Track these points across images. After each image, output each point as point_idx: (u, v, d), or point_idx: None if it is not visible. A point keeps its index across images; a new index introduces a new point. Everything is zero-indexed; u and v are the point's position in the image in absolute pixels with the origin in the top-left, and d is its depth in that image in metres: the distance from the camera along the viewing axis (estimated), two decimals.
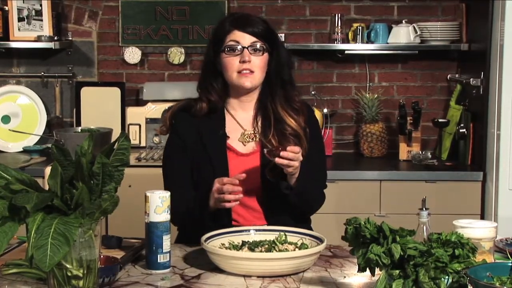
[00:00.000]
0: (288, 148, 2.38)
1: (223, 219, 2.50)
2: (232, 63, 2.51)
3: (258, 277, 2.11)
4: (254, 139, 2.59)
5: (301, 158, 2.41)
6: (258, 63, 2.52)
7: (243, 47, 2.50)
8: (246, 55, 2.50)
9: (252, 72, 2.51)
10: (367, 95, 4.42)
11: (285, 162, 2.38)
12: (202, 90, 2.60)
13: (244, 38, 2.51)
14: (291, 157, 2.38)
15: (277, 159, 2.37)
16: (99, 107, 4.40)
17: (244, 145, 2.59)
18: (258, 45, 2.52)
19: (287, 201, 2.50)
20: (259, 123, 2.59)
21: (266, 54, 2.54)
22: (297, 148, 2.40)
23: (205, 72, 2.60)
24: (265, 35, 2.54)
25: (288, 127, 2.54)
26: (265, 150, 2.41)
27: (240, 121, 2.61)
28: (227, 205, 2.38)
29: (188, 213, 2.48)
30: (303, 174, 2.47)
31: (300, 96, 2.66)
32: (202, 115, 2.57)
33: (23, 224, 1.78)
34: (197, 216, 2.46)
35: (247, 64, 2.50)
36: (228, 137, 2.57)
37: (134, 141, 4.29)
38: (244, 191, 2.51)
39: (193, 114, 2.58)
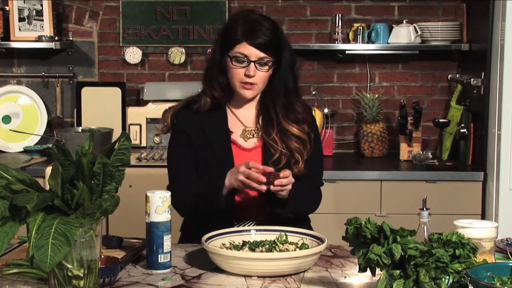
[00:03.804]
0: (281, 174, 2.41)
1: (225, 212, 2.51)
2: (237, 73, 2.52)
3: (259, 277, 2.11)
4: (255, 135, 2.62)
5: (292, 180, 2.43)
6: (262, 76, 2.54)
7: (250, 61, 2.51)
8: (252, 70, 2.51)
9: (254, 84, 2.53)
10: (368, 95, 4.42)
11: (278, 188, 2.41)
12: (206, 84, 2.61)
13: (252, 52, 2.50)
14: (285, 183, 2.41)
15: (272, 187, 2.40)
16: (100, 107, 4.40)
17: (246, 141, 2.62)
18: (265, 60, 2.52)
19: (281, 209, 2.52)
20: (261, 122, 2.62)
21: (272, 67, 2.55)
22: (288, 172, 2.43)
23: (211, 67, 2.61)
24: (273, 47, 2.53)
25: (290, 132, 2.57)
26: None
27: (241, 118, 2.64)
28: (255, 186, 2.39)
29: (200, 198, 2.49)
30: (297, 190, 2.48)
31: (301, 104, 2.64)
32: (204, 112, 2.59)
33: (23, 224, 1.78)
34: (210, 200, 2.47)
35: (251, 78, 2.52)
36: (232, 132, 2.60)
37: (134, 141, 4.30)
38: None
39: (195, 110, 2.60)
